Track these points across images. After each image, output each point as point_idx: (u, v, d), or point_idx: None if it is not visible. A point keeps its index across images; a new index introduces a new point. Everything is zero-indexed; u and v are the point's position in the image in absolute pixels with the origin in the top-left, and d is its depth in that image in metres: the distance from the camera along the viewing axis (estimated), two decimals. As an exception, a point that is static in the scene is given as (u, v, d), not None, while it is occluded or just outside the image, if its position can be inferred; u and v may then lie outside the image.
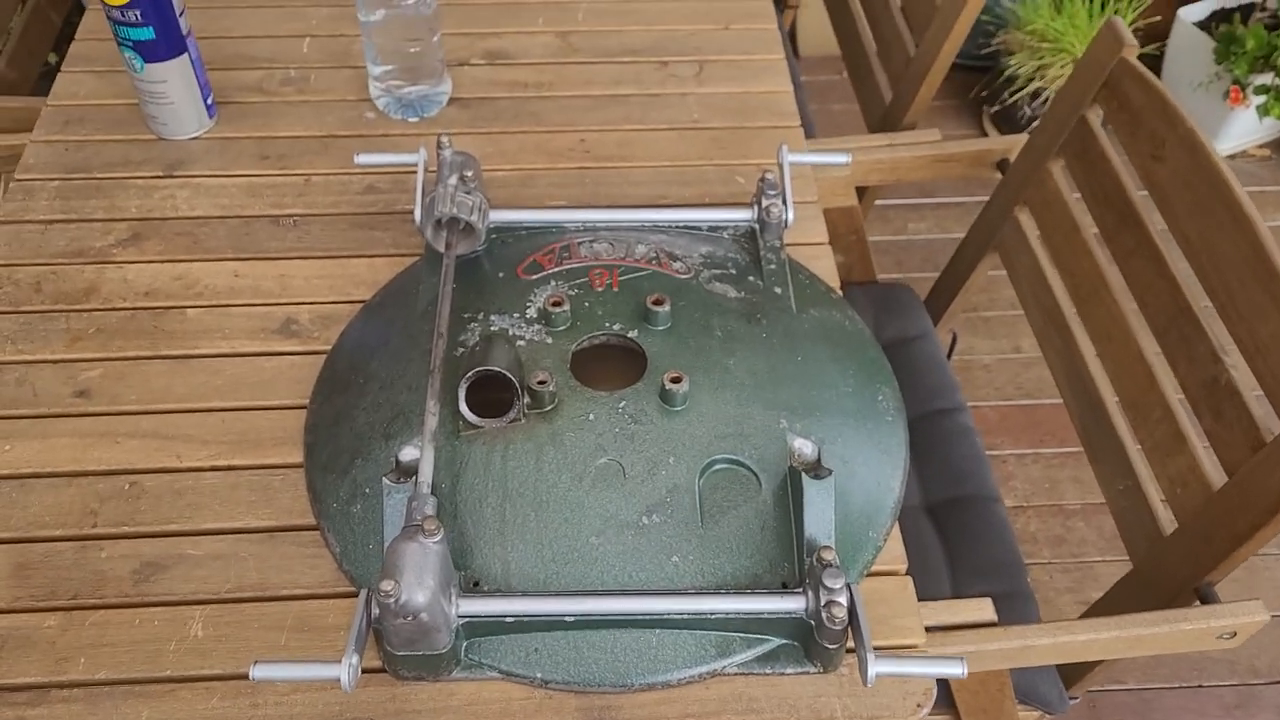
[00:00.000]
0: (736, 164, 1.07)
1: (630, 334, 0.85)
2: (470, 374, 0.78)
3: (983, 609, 0.88)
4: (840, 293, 0.95)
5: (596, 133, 1.10)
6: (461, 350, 0.84)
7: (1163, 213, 0.99)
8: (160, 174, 1.04)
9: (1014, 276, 1.21)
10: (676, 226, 0.96)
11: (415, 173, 0.94)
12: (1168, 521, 0.96)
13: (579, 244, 0.93)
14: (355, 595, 0.76)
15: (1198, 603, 0.93)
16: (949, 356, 1.36)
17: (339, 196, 1.03)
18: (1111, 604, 1.01)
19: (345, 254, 0.98)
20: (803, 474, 0.75)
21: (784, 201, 0.94)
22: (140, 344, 0.90)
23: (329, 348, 0.90)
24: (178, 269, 0.96)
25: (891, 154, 1.23)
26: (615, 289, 0.88)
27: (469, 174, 0.90)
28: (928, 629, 0.80)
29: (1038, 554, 1.63)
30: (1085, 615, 1.05)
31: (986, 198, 1.25)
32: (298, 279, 0.96)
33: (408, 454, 0.79)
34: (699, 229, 0.96)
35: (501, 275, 0.90)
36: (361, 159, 0.96)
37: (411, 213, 0.97)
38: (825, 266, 0.98)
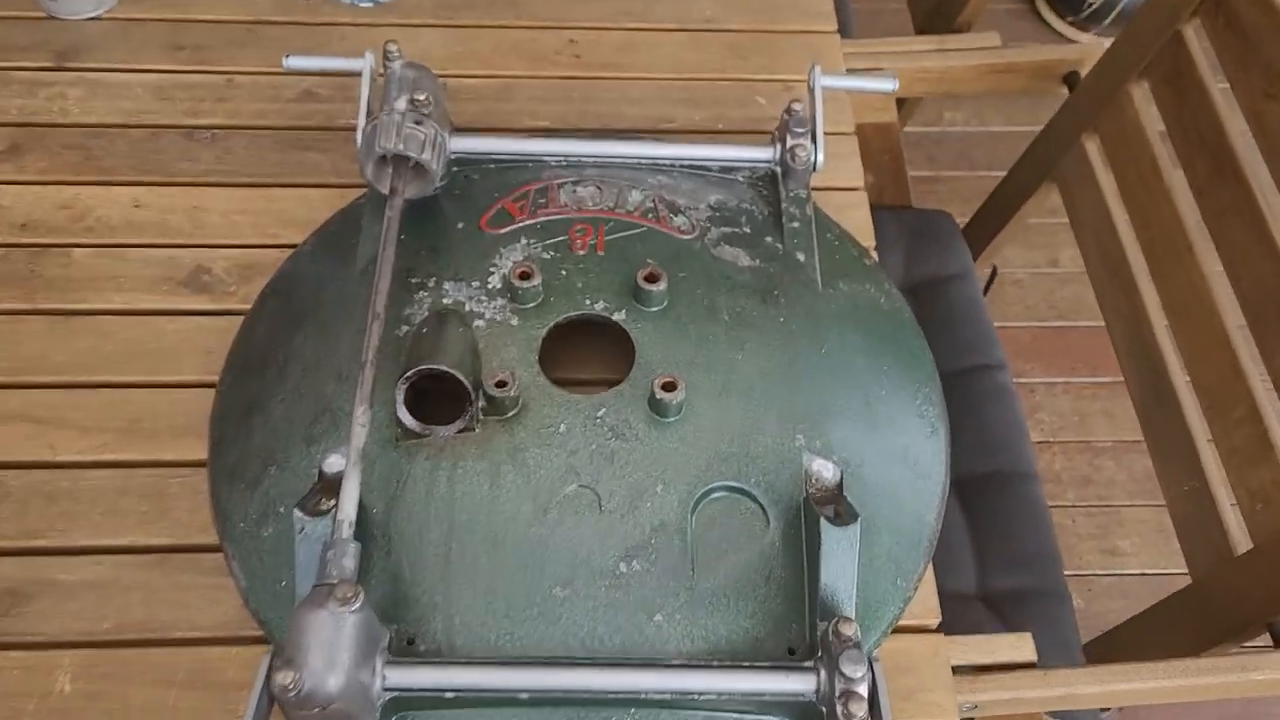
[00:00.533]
0: (758, 80, 0.88)
1: (616, 315, 0.68)
2: (410, 372, 0.62)
3: (1021, 646, 0.74)
4: (875, 256, 0.78)
5: (589, 31, 0.90)
6: (406, 329, 0.68)
7: (1271, 165, 0.81)
8: (48, 65, 0.85)
9: (1074, 216, 1.04)
10: (680, 166, 0.78)
11: (360, 82, 0.76)
12: (1240, 537, 0.81)
13: (559, 186, 0.75)
14: (263, 642, 0.62)
15: (1269, 638, 0.79)
16: (985, 291, 1.19)
17: (268, 104, 0.84)
18: (1160, 621, 0.88)
19: (273, 181, 0.80)
20: (822, 518, 0.59)
21: (813, 140, 0.75)
22: (12, 293, 0.73)
23: (247, 308, 0.73)
24: (65, 194, 0.78)
25: (941, 62, 1.04)
26: (600, 252, 0.71)
27: (422, 96, 0.71)
28: (956, 669, 0.67)
29: (1061, 495, 1.50)
30: (1127, 626, 0.92)
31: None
32: (213, 214, 0.78)
33: (333, 464, 0.63)
34: (708, 170, 0.78)
35: (461, 226, 0.73)
36: (292, 62, 0.77)
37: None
38: (858, 219, 0.80)
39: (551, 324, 0.67)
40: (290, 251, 0.75)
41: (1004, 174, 1.82)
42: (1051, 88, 1.05)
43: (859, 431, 0.67)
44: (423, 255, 0.71)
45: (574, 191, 0.75)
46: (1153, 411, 0.90)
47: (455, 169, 0.77)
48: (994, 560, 0.95)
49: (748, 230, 0.74)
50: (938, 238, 1.14)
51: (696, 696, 0.57)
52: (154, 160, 0.80)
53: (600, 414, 0.64)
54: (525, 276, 0.67)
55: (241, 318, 0.72)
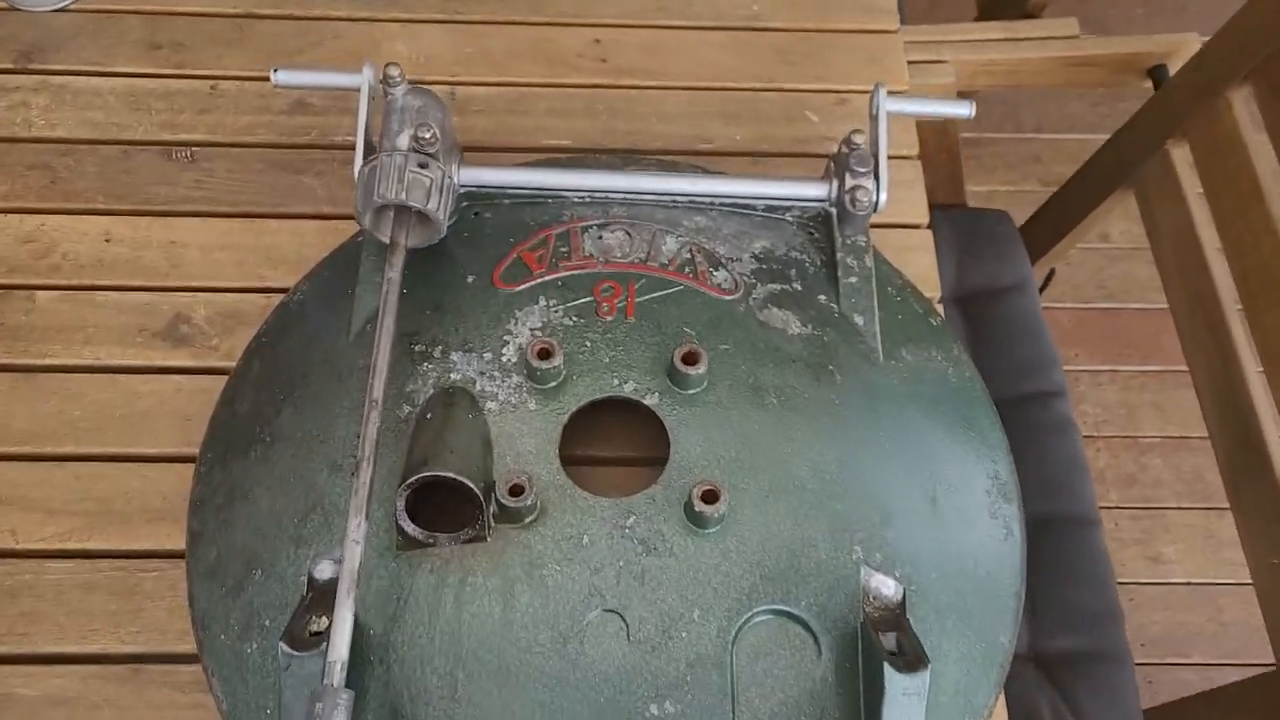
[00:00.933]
0: (808, 91, 0.78)
1: (649, 399, 0.59)
2: (413, 479, 0.54)
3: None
4: (941, 314, 0.68)
5: (616, 29, 0.79)
6: (408, 410, 0.59)
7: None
8: (10, 67, 0.75)
9: (1153, 232, 0.94)
10: (720, 203, 0.68)
11: (358, 99, 0.66)
12: (1335, 622, 0.73)
13: (583, 231, 0.66)
14: (247, 775, 0.55)
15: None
16: (1040, 290, 1.10)
17: (256, 116, 0.74)
18: (1236, 707, 0.80)
19: (260, 210, 0.71)
20: (886, 663, 0.51)
21: (876, 178, 0.66)
22: (-32, 348, 0.65)
23: (230, 365, 0.65)
24: (29, 225, 0.69)
25: (1012, 53, 0.93)
26: (630, 318, 0.62)
27: (428, 133, 0.61)
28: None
29: (1104, 496, 1.42)
30: (1196, 704, 0.85)
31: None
32: (192, 249, 0.69)
33: (324, 571, 0.56)
34: (752, 208, 0.69)
35: (472, 280, 0.64)
36: (282, 77, 0.67)
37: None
38: (922, 265, 0.71)
39: (575, 409, 0.59)
40: (279, 298, 0.67)
41: (1053, 138, 1.69)
42: (1134, 82, 0.94)
43: (923, 538, 0.58)
44: (428, 315, 0.63)
45: (600, 238, 0.66)
46: (1239, 471, 0.81)
47: (465, 204, 0.68)
48: (1049, 616, 0.87)
49: (798, 286, 0.65)
50: (994, 242, 1.04)
51: None
52: (127, 183, 0.71)
53: (629, 523, 0.56)
54: (545, 355, 0.58)
55: (224, 378, 0.64)
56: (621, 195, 0.68)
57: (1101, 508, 1.40)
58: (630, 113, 0.75)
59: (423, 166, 0.61)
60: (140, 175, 0.71)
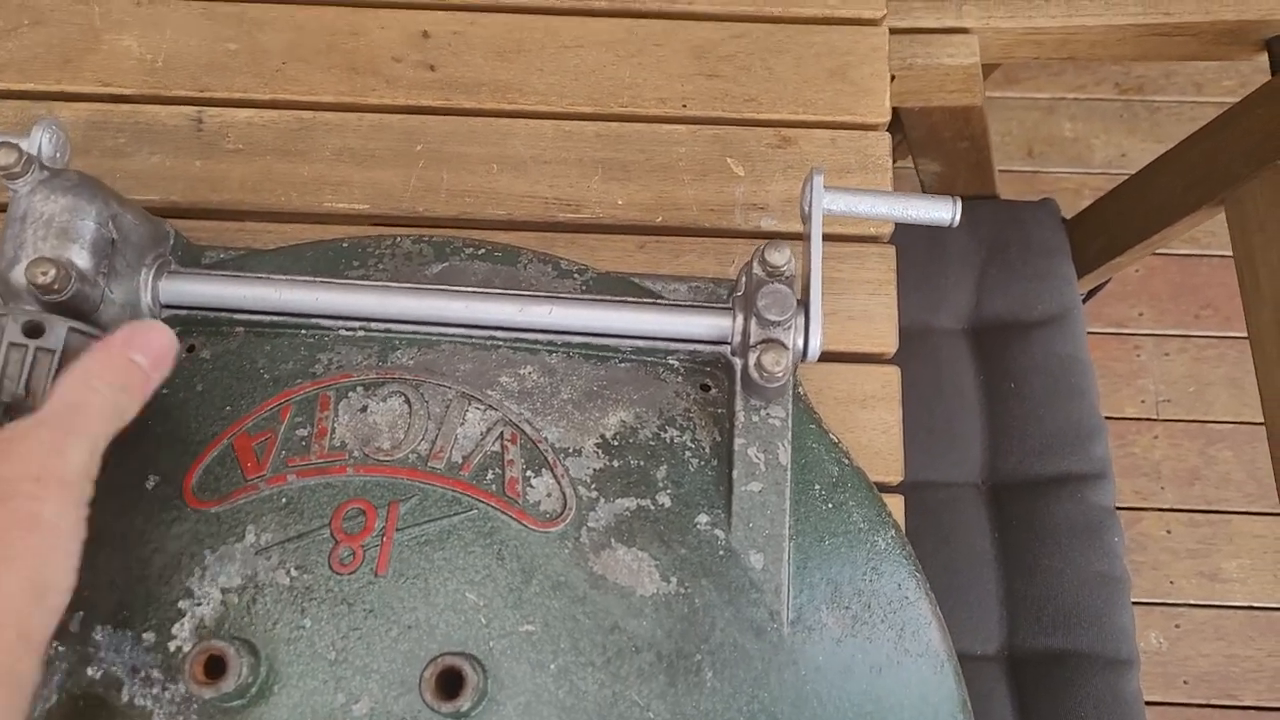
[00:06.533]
0: (733, 122, 0.51)
1: (390, 731, 0.37)
2: None
3: None
4: (901, 525, 0.44)
5: (454, 14, 0.53)
6: (18, 729, 0.38)
7: None
8: None
9: (1245, 263, 0.67)
10: (559, 343, 0.44)
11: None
12: None
13: (339, 396, 0.42)
14: None
15: None
16: (1086, 299, 0.84)
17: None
18: None
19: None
20: None
21: (805, 323, 0.41)
22: None
23: None
24: None
25: (1066, 17, 0.64)
26: (381, 574, 0.39)
27: (47, 276, 0.38)
28: None
29: (1157, 496, 1.18)
30: None
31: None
32: None
33: None
34: (614, 350, 0.44)
35: (154, 485, 0.41)
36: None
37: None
38: (880, 422, 0.46)
39: (268, 747, 0.37)
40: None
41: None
42: (1242, 57, 0.66)
43: None
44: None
45: (363, 410, 0.42)
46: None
47: (176, 330, 0.44)
48: (1054, 793, 0.67)
49: (666, 501, 0.41)
50: (1031, 251, 0.77)
51: None
52: None
53: None
54: (213, 672, 0.36)
55: None
56: (410, 330, 0.44)
57: (1151, 509, 1.17)
58: (463, 157, 0.50)
59: (33, 332, 0.37)
60: None
